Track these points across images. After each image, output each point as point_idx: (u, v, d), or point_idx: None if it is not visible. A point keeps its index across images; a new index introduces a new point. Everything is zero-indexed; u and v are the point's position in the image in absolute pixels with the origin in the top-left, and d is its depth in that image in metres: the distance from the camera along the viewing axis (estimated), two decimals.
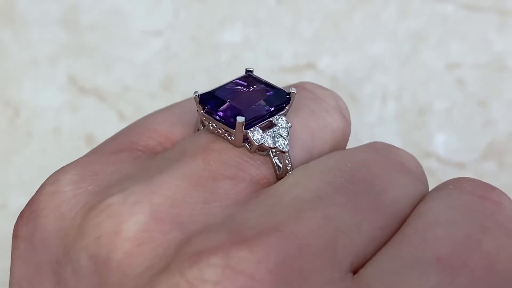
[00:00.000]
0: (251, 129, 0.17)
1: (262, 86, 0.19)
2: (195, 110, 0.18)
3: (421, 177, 0.19)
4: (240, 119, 0.17)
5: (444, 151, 0.35)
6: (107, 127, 0.35)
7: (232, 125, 0.17)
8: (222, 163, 0.17)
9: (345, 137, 0.20)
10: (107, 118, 0.36)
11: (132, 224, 0.15)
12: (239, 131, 0.17)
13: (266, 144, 0.17)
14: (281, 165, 0.18)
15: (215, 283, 0.14)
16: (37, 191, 0.18)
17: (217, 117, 0.18)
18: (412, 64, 0.36)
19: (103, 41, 0.37)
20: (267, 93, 0.18)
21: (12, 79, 0.36)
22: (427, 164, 0.34)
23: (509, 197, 0.18)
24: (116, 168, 0.17)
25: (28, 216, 0.18)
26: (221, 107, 0.18)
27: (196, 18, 0.37)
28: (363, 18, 0.36)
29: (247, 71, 0.19)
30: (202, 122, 0.18)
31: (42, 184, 0.18)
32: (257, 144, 0.17)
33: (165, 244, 0.15)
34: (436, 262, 0.15)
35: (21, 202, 0.34)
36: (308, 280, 0.15)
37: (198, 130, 0.19)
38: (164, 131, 0.19)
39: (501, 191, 0.18)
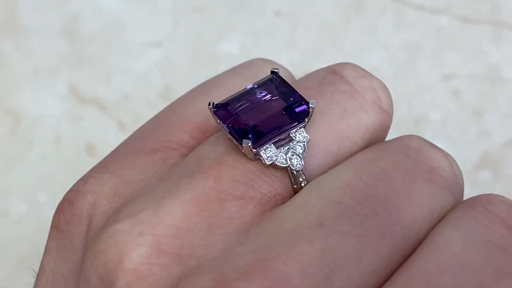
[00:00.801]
0: (263, 147, 0.17)
1: (284, 92, 0.17)
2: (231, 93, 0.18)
3: (453, 185, 0.17)
4: (246, 142, 0.16)
5: None
6: (107, 136, 0.35)
7: (241, 141, 0.17)
8: (233, 181, 0.16)
9: (383, 131, 0.18)
10: (107, 127, 0.36)
11: (135, 255, 0.15)
12: (248, 152, 0.17)
13: (278, 163, 0.17)
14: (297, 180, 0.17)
15: None
16: (75, 191, 0.18)
17: (228, 130, 0.17)
18: (408, 74, 0.36)
19: (104, 51, 0.37)
20: (286, 104, 0.17)
21: (13, 89, 0.36)
22: None
23: None
24: (146, 175, 0.17)
25: (67, 214, 0.18)
26: (230, 121, 0.17)
27: (195, 29, 0.37)
28: (359, 29, 0.36)
29: (272, 72, 0.18)
30: None
31: (77, 187, 0.18)
32: (269, 163, 0.17)
33: (162, 281, 0.15)
34: None
35: (22, 209, 0.34)
36: None
37: None
38: (199, 124, 0.18)
39: None
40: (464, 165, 0.34)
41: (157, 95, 0.36)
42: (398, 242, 0.15)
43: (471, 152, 0.35)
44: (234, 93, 0.18)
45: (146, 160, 0.18)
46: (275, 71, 0.18)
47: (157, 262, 0.15)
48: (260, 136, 0.17)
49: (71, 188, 0.18)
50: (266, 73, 0.18)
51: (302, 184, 0.17)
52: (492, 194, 0.17)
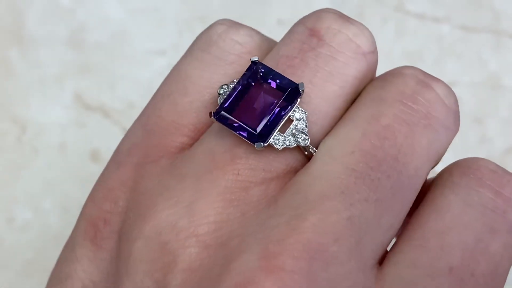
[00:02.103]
0: (272, 138, 0.18)
1: (271, 79, 0.18)
2: (211, 84, 0.19)
3: (446, 119, 0.18)
4: (259, 145, 0.17)
5: (441, 167, 0.34)
6: (112, 143, 0.35)
7: (251, 141, 0.18)
8: (250, 170, 0.18)
9: (372, 71, 0.19)
10: (112, 134, 0.36)
11: (186, 257, 0.17)
12: (260, 148, 0.18)
13: (289, 145, 0.18)
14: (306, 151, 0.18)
15: None
16: (109, 212, 0.19)
17: (236, 133, 0.18)
18: None
19: (109, 60, 0.37)
20: (279, 93, 0.18)
21: (19, 97, 0.36)
22: None
23: None
24: (159, 181, 0.18)
25: (104, 232, 0.19)
26: (236, 129, 0.18)
27: None
28: None
29: (252, 62, 0.18)
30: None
31: (108, 208, 0.19)
32: (281, 148, 0.18)
33: (211, 266, 0.16)
34: (448, 274, 0.17)
35: (28, 216, 0.34)
36: (337, 284, 0.16)
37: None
38: (194, 125, 0.19)
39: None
40: None
41: None
42: (407, 194, 0.17)
43: None
44: (202, 83, 0.19)
45: (154, 168, 0.18)
46: (255, 61, 0.18)
47: (206, 256, 0.17)
48: (267, 134, 0.18)
49: (101, 207, 0.19)
50: (236, 49, 0.19)
51: (313, 152, 0.18)
52: (481, 161, 0.19)
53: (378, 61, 0.32)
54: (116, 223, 0.18)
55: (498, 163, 0.34)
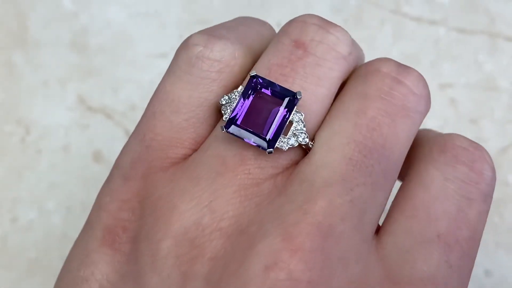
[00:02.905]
0: (278, 143, 0.20)
1: (271, 91, 0.20)
2: (201, 103, 0.21)
3: (419, 105, 0.21)
4: (271, 151, 0.20)
5: None
6: (114, 144, 0.35)
7: (262, 147, 0.20)
8: (259, 169, 0.20)
9: (353, 67, 0.22)
10: (114, 136, 0.36)
11: (212, 247, 0.18)
12: (270, 152, 0.20)
13: (292, 145, 0.20)
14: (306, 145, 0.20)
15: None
16: (128, 220, 0.21)
17: (248, 141, 0.20)
18: None
19: (111, 63, 0.37)
20: (279, 101, 0.20)
21: (23, 99, 0.36)
22: None
23: (488, 164, 0.21)
24: (171, 187, 0.20)
25: (123, 237, 0.20)
26: (247, 138, 0.20)
27: None
28: (359, 41, 0.36)
29: (251, 76, 0.20)
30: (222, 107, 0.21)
31: (123, 215, 0.21)
32: (286, 149, 0.20)
33: (235, 252, 0.18)
34: (437, 240, 0.19)
35: (32, 216, 0.34)
36: (347, 259, 0.18)
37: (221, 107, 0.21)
38: (193, 138, 0.21)
39: (483, 157, 0.21)
40: None
41: None
42: (394, 174, 0.20)
43: None
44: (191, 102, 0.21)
45: (165, 176, 0.20)
46: (254, 75, 0.20)
47: (229, 244, 0.18)
48: (275, 140, 0.20)
49: (118, 217, 0.20)
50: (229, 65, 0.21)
51: (310, 146, 0.20)
52: (456, 139, 0.21)
53: None
54: (134, 229, 0.20)
55: (493, 162, 0.34)
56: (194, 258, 0.18)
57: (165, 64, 0.36)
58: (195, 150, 0.21)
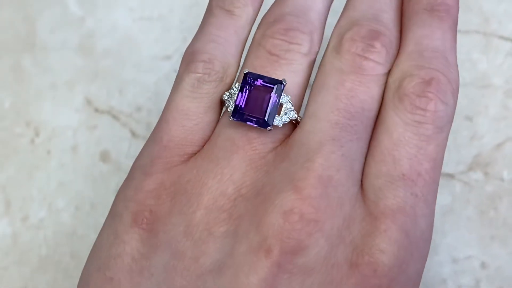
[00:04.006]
0: (274, 121, 0.24)
1: (262, 82, 0.24)
2: (205, 111, 0.25)
3: (381, 70, 0.25)
4: (270, 128, 0.24)
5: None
6: (121, 145, 0.36)
7: (263, 126, 0.24)
8: (263, 145, 0.24)
9: (316, 54, 0.26)
10: (121, 136, 0.36)
11: (236, 209, 0.23)
12: (269, 130, 0.24)
13: (285, 121, 0.25)
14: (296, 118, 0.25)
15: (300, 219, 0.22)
16: (157, 214, 0.24)
17: (250, 124, 0.24)
18: None
19: (117, 65, 0.37)
20: (271, 89, 0.24)
21: (32, 102, 0.36)
22: None
23: (440, 99, 0.24)
24: (196, 171, 0.24)
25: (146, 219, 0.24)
26: (250, 121, 0.24)
27: None
28: None
29: (245, 73, 0.25)
30: (222, 101, 0.26)
31: (151, 204, 0.24)
32: (281, 125, 0.24)
33: (256, 209, 0.22)
34: (402, 178, 0.23)
35: (42, 214, 0.34)
36: (342, 201, 0.23)
37: (222, 103, 0.26)
38: (203, 138, 0.25)
39: (436, 95, 0.24)
40: (457, 167, 0.34)
41: None
42: (372, 124, 0.24)
43: (464, 154, 0.35)
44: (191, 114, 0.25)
45: (187, 165, 0.24)
46: (246, 73, 0.25)
47: (250, 205, 0.23)
48: (271, 120, 0.24)
49: (144, 203, 0.24)
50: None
51: (299, 120, 0.25)
52: (410, 86, 0.24)
53: None
54: (160, 211, 0.23)
55: (488, 158, 0.34)
56: (222, 220, 0.23)
57: (169, 66, 0.36)
58: (203, 147, 0.25)
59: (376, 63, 0.24)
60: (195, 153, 0.25)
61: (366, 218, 0.23)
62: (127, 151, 0.35)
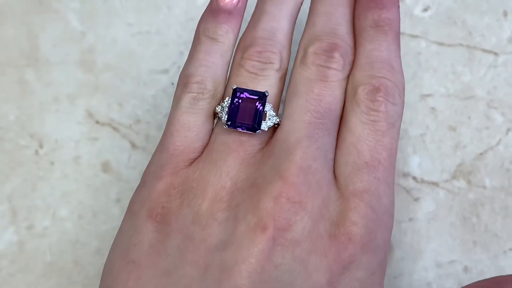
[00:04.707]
0: (262, 126, 0.28)
1: (249, 94, 0.28)
2: (202, 123, 0.29)
3: (344, 74, 0.29)
4: (259, 132, 0.28)
5: (419, 172, 0.35)
6: (121, 155, 0.36)
7: (253, 131, 0.28)
8: (253, 146, 0.28)
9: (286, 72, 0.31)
10: (121, 148, 0.36)
11: (234, 199, 0.27)
12: (258, 133, 0.28)
13: (270, 125, 0.29)
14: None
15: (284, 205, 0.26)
16: (172, 210, 0.28)
17: (241, 129, 0.28)
18: None
19: (116, 79, 0.38)
20: (256, 99, 0.28)
21: (36, 115, 0.37)
22: (404, 183, 0.35)
23: (389, 101, 0.28)
24: (199, 172, 0.28)
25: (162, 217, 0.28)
26: (241, 127, 0.28)
27: None
28: None
29: (233, 89, 0.29)
30: (215, 113, 0.29)
31: (165, 202, 0.28)
32: (266, 129, 0.29)
33: (250, 197, 0.26)
34: (365, 166, 0.27)
35: (46, 223, 0.35)
36: (320, 184, 0.27)
37: (214, 115, 0.29)
38: (202, 145, 0.29)
39: (385, 100, 0.28)
40: (441, 176, 0.34)
41: (165, 117, 0.36)
42: (337, 120, 0.29)
43: (447, 163, 0.35)
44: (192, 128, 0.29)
45: (192, 168, 0.28)
46: (235, 88, 0.29)
47: (245, 195, 0.27)
48: (259, 125, 0.28)
49: (157, 201, 0.28)
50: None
51: (279, 122, 0.29)
52: (363, 93, 0.28)
53: None
54: (171, 206, 0.27)
55: (471, 167, 0.35)
56: (224, 209, 0.27)
57: (167, 80, 0.37)
58: (202, 152, 0.29)
59: (336, 70, 0.29)
60: (197, 158, 0.28)
61: (340, 199, 0.27)
62: (127, 161, 0.36)
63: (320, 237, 0.26)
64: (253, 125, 0.28)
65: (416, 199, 0.35)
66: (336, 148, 0.28)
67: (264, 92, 0.28)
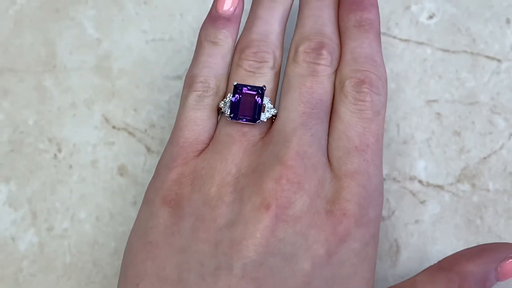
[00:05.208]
0: (261, 117, 0.30)
1: (248, 89, 0.31)
2: (207, 118, 0.31)
3: (332, 69, 0.31)
4: (259, 122, 0.30)
5: (425, 175, 0.36)
6: (137, 159, 0.37)
7: (251, 121, 0.30)
8: (254, 136, 0.30)
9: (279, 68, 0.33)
10: (136, 151, 0.37)
11: (239, 183, 0.29)
12: (258, 124, 0.31)
13: (268, 117, 0.31)
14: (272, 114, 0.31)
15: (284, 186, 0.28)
16: (181, 195, 0.30)
17: (243, 121, 0.30)
18: (397, 100, 0.37)
19: (132, 85, 0.38)
20: (255, 94, 0.31)
21: (54, 120, 0.38)
22: (411, 187, 0.35)
23: (374, 92, 0.30)
24: (207, 161, 0.30)
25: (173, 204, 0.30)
26: (243, 119, 0.30)
27: None
28: None
29: (235, 85, 0.31)
30: (218, 109, 0.32)
31: (176, 188, 0.30)
32: (265, 120, 0.31)
33: (253, 181, 0.28)
34: (355, 149, 0.30)
35: (65, 225, 0.35)
36: (316, 166, 0.29)
37: (218, 110, 0.32)
38: (209, 137, 0.31)
39: (370, 92, 0.30)
40: (446, 179, 0.35)
41: None
42: (328, 110, 0.31)
43: (452, 167, 0.35)
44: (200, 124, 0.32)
45: (200, 158, 0.30)
46: (236, 85, 0.31)
47: (248, 179, 0.29)
48: (259, 116, 0.30)
49: (170, 189, 0.30)
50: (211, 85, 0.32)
51: (275, 114, 0.31)
52: (350, 86, 0.31)
53: None
54: (182, 193, 0.29)
55: (475, 171, 0.35)
56: (231, 192, 0.29)
57: (180, 86, 0.38)
58: (209, 143, 0.31)
59: (325, 66, 0.31)
60: (204, 149, 0.31)
61: (333, 179, 0.29)
62: (143, 165, 0.37)
63: (317, 213, 0.28)
64: (254, 117, 0.30)
65: (422, 202, 0.35)
66: (328, 135, 0.30)
67: (262, 87, 0.31)
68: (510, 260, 0.30)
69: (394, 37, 0.38)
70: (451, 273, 0.30)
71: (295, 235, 0.28)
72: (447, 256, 0.31)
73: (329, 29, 0.33)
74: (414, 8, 0.39)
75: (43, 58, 0.39)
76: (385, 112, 0.31)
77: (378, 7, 0.33)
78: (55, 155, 0.37)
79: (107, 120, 0.38)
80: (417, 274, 0.31)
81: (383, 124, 0.31)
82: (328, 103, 0.31)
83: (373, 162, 0.30)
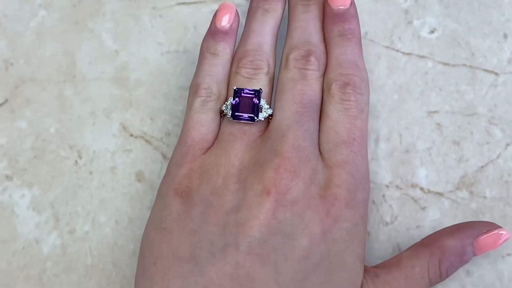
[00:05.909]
0: (259, 116, 0.33)
1: (247, 92, 0.33)
2: (212, 120, 0.34)
3: (320, 72, 0.34)
4: (257, 120, 0.33)
5: (426, 183, 0.36)
6: (153, 166, 0.37)
7: (252, 120, 0.33)
8: (253, 134, 0.33)
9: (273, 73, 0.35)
10: (153, 159, 0.37)
11: (242, 175, 0.31)
12: (256, 122, 0.33)
13: (265, 116, 0.33)
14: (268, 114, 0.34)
15: (281, 176, 0.31)
16: (190, 187, 0.33)
17: (244, 120, 0.33)
18: (399, 111, 0.37)
19: (148, 95, 0.38)
20: (253, 96, 0.33)
21: (75, 128, 0.38)
22: (413, 194, 0.36)
23: (358, 92, 0.33)
24: (213, 158, 0.33)
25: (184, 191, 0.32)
26: (243, 119, 0.33)
27: None
28: None
29: (234, 90, 0.33)
30: (220, 112, 0.34)
31: (186, 181, 0.33)
32: (263, 119, 0.33)
33: (255, 172, 0.31)
34: (343, 142, 0.32)
35: (87, 228, 0.36)
36: (309, 158, 0.31)
37: (221, 113, 0.34)
38: (214, 137, 0.33)
39: (354, 92, 0.33)
40: (446, 187, 0.36)
41: None
42: (318, 109, 0.33)
43: (451, 175, 0.36)
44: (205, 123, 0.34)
45: (207, 155, 0.33)
46: (235, 89, 0.33)
47: (251, 170, 0.31)
48: (257, 115, 0.33)
49: (181, 183, 0.32)
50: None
51: (272, 113, 0.33)
52: (336, 87, 0.33)
53: (374, 92, 0.36)
54: (191, 186, 0.32)
55: (473, 179, 0.35)
56: (235, 182, 0.31)
57: None
58: (213, 142, 0.33)
59: (313, 70, 0.34)
60: (210, 147, 0.33)
61: (325, 169, 0.31)
62: (159, 172, 0.37)
63: (312, 197, 0.31)
64: (253, 117, 0.33)
65: (423, 208, 0.36)
66: (319, 131, 0.33)
67: (259, 89, 0.33)
68: (484, 236, 0.32)
69: (397, 51, 0.39)
70: (433, 247, 0.32)
71: (293, 217, 0.30)
72: (429, 234, 0.33)
73: (316, 38, 0.35)
74: (416, 23, 0.39)
75: (64, 69, 0.39)
76: (368, 109, 0.33)
77: (358, 17, 0.35)
78: (76, 161, 0.37)
79: (125, 128, 0.38)
80: (403, 251, 0.33)
81: (367, 120, 0.33)
82: (318, 102, 0.33)
83: (359, 153, 0.32)
